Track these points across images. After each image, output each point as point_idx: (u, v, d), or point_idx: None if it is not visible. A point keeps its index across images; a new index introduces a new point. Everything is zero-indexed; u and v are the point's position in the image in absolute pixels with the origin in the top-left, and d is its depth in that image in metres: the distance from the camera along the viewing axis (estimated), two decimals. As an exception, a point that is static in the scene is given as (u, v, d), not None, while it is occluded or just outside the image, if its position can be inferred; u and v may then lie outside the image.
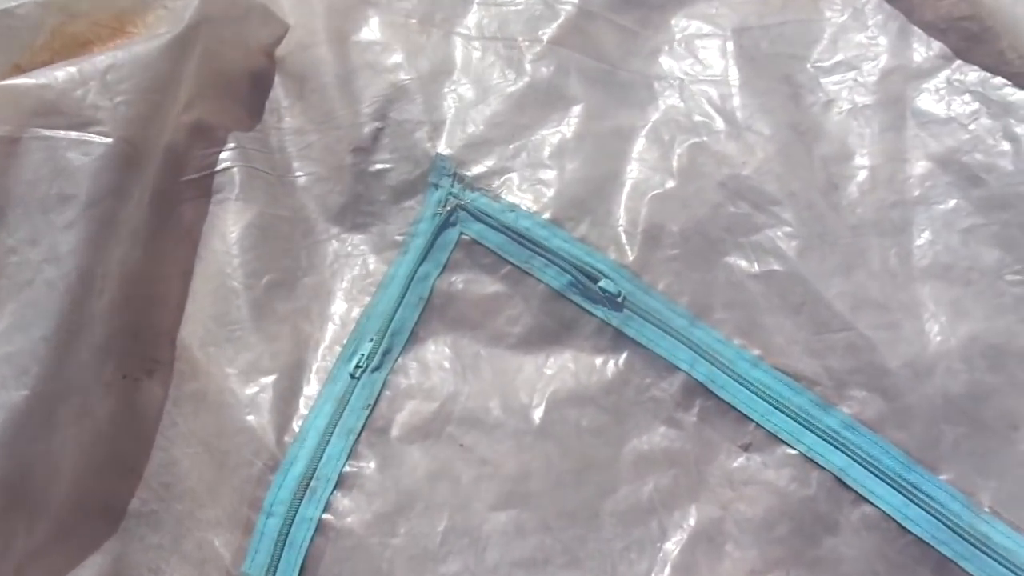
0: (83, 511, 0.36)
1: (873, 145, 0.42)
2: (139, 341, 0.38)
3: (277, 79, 0.44)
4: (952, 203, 0.40)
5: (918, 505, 0.35)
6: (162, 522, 0.37)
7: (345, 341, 0.40)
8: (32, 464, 0.33)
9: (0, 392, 0.32)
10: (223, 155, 0.41)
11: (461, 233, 0.41)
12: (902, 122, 0.43)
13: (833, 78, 0.44)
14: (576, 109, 0.43)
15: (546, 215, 0.40)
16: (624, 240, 0.40)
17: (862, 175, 0.41)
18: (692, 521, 0.37)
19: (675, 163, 0.42)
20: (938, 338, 0.37)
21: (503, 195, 0.41)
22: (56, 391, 0.34)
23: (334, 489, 0.36)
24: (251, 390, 0.37)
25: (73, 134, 0.35)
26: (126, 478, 0.37)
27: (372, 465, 0.37)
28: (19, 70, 0.36)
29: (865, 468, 0.36)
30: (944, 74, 0.43)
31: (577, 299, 0.40)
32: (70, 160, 0.34)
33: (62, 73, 0.35)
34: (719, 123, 0.43)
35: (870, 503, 0.36)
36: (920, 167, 0.41)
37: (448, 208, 0.41)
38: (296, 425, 0.37)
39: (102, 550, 0.36)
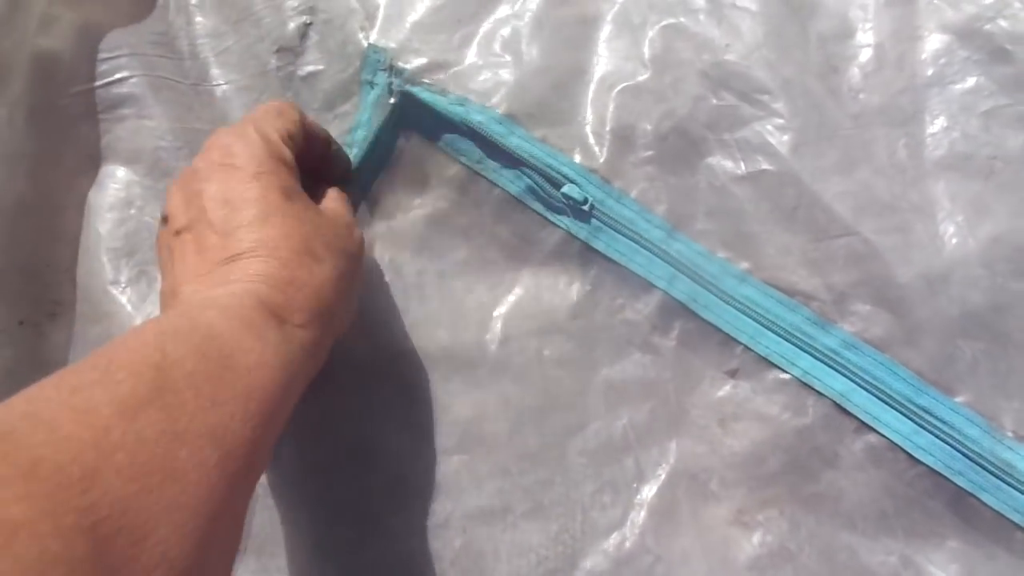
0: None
1: (878, 18, 0.36)
2: (35, 281, 0.33)
3: (183, -31, 0.38)
4: (971, 82, 0.34)
5: (930, 432, 0.31)
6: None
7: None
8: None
9: None
10: (117, 62, 0.36)
11: (403, 129, 0.35)
12: (914, -13, 0.36)
13: (833, -58, 0.37)
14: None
15: (501, 109, 0.35)
16: (591, 141, 0.35)
17: (865, 55, 0.35)
18: (672, 458, 0.33)
19: (647, 50, 0.36)
20: (954, 240, 0.32)
21: (450, 89, 0.35)
22: (-68, 346, 0.29)
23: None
24: (162, 333, 0.33)
25: (-86, 39, 0.29)
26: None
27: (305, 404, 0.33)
28: None
29: (869, 392, 0.32)
30: (965, -73, 0.36)
31: (537, 207, 0.34)
32: (-88, 72, 0.29)
33: None
34: (698, 0, 0.36)
35: (875, 431, 0.32)
36: (934, 41, 0.35)
37: (388, 102, 0.35)
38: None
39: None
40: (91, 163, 0.35)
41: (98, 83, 0.35)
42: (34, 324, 0.33)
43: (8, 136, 0.32)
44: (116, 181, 0.35)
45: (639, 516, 0.32)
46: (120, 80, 0.36)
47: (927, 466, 0.31)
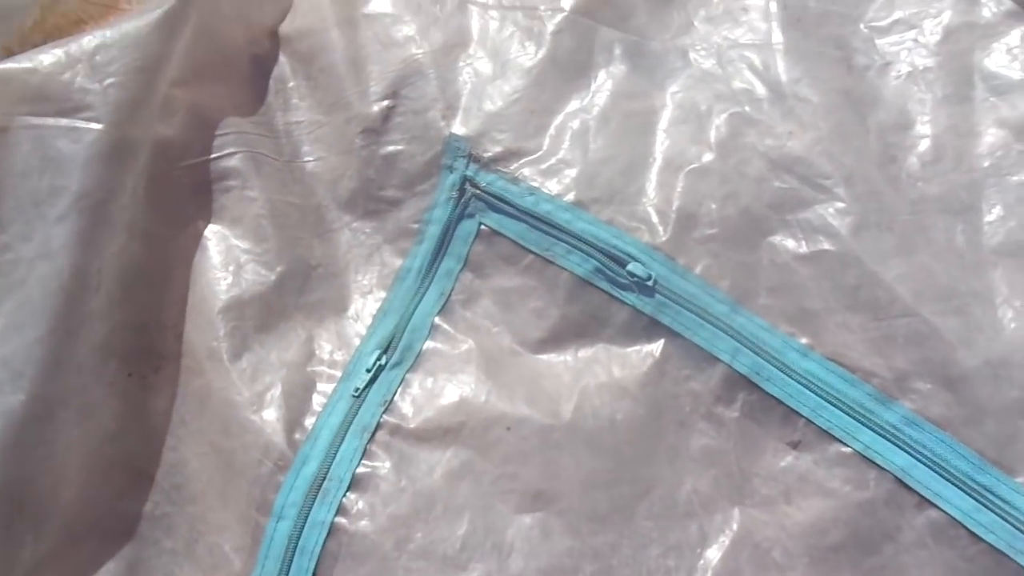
0: (93, 516, 0.35)
1: (936, 112, 0.38)
2: (143, 337, 0.36)
3: (282, 59, 0.42)
4: (1027, 173, 0.36)
5: (991, 510, 0.31)
6: (175, 526, 0.36)
7: (362, 336, 0.38)
8: (34, 470, 0.32)
9: (-4, 397, 0.31)
10: (224, 140, 0.39)
11: (480, 224, 0.38)
12: (969, 87, 0.38)
13: (890, 39, 0.40)
14: (601, 84, 0.40)
15: (568, 197, 0.37)
16: (656, 219, 0.37)
17: (923, 146, 0.37)
18: (735, 526, 0.33)
19: (713, 135, 0.38)
20: (1012, 325, 0.33)
21: (522, 177, 0.38)
22: (55, 393, 0.32)
23: (347, 490, 0.34)
24: (258, 387, 0.35)
25: (63, 121, 0.33)
26: (137, 481, 0.36)
27: (388, 465, 0.35)
28: (10, 54, 0.34)
29: (930, 468, 0.32)
30: (1018, 32, 0.39)
31: (604, 286, 0.37)
32: (60, 149, 0.33)
33: (48, 56, 0.33)
34: (762, 90, 0.39)
35: (936, 507, 0.32)
36: (990, 136, 0.37)
37: (463, 194, 0.38)
38: (308, 423, 0.35)
39: (116, 557, 0.35)
40: (194, 230, 0.38)
41: (205, 158, 0.39)
42: (140, 376, 0.36)
43: (132, 204, 0.35)
44: (219, 246, 0.38)
45: (703, 582, 0.33)
46: (227, 155, 0.39)
47: (989, 544, 0.31)
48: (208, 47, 0.38)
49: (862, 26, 0.40)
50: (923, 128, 0.37)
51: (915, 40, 0.40)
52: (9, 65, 0.33)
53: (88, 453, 0.34)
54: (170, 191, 0.38)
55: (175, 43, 0.36)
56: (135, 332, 0.36)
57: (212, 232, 0.38)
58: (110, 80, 0.33)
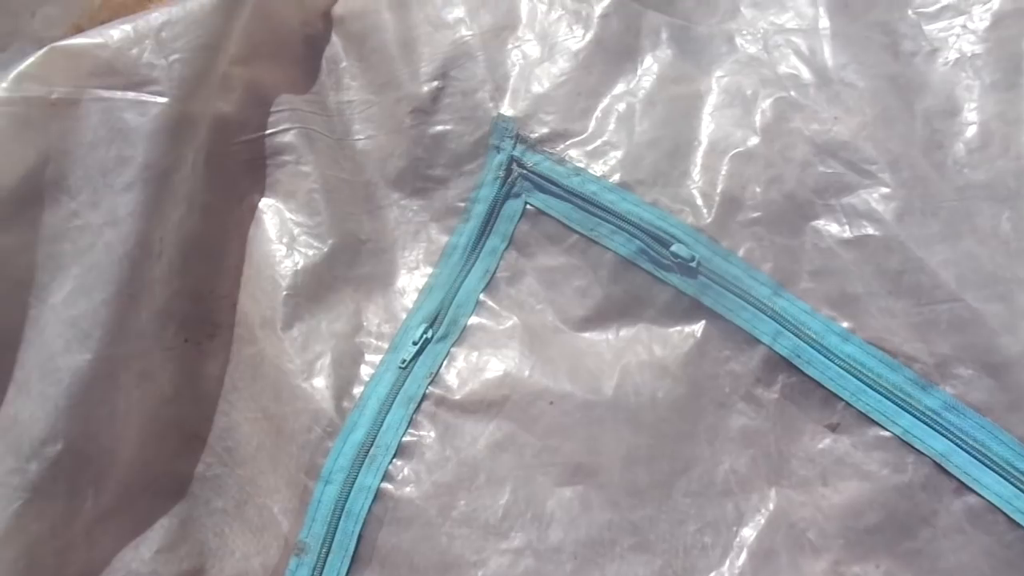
0: (149, 475, 0.36)
1: (984, 99, 0.38)
2: (200, 305, 0.37)
3: (335, 39, 0.43)
4: (1076, 161, 0.36)
5: (1032, 497, 0.32)
6: (226, 487, 0.37)
7: (409, 310, 0.39)
8: (98, 428, 0.34)
9: (65, 355, 0.33)
10: (279, 116, 0.41)
11: (526, 204, 0.39)
12: (1018, 74, 0.38)
13: (938, 25, 0.40)
14: (648, 67, 0.41)
15: (614, 179, 0.38)
16: (700, 202, 0.37)
17: (971, 132, 0.37)
18: (771, 505, 0.34)
19: (758, 119, 0.38)
20: (1057, 313, 0.33)
21: (568, 158, 0.39)
22: (118, 355, 0.34)
23: (393, 457, 0.35)
24: (309, 356, 0.37)
25: (130, 94, 0.34)
26: (190, 442, 0.37)
27: (433, 434, 0.36)
28: (79, 30, 0.36)
29: (970, 454, 0.33)
30: (1070, 17, 0.38)
31: (648, 266, 0.37)
32: (127, 121, 0.34)
33: (117, 31, 0.34)
34: (808, 75, 0.39)
35: (975, 493, 0.32)
36: (1039, 123, 0.37)
37: (510, 174, 0.39)
38: (356, 391, 0.37)
39: (169, 514, 0.37)
40: (250, 202, 0.39)
41: (261, 134, 0.40)
42: (196, 342, 0.37)
43: (192, 176, 0.36)
44: (274, 219, 0.39)
45: (738, 559, 0.33)
46: (282, 131, 0.40)
47: (1028, 530, 0.32)
48: (264, 27, 0.40)
49: (910, 12, 0.40)
50: (970, 115, 0.37)
51: (963, 26, 0.39)
52: (80, 40, 0.34)
53: (146, 414, 0.36)
54: (227, 165, 0.39)
55: (235, 22, 0.37)
56: (192, 300, 0.37)
57: (267, 205, 0.39)
58: (175, 56, 0.35)
